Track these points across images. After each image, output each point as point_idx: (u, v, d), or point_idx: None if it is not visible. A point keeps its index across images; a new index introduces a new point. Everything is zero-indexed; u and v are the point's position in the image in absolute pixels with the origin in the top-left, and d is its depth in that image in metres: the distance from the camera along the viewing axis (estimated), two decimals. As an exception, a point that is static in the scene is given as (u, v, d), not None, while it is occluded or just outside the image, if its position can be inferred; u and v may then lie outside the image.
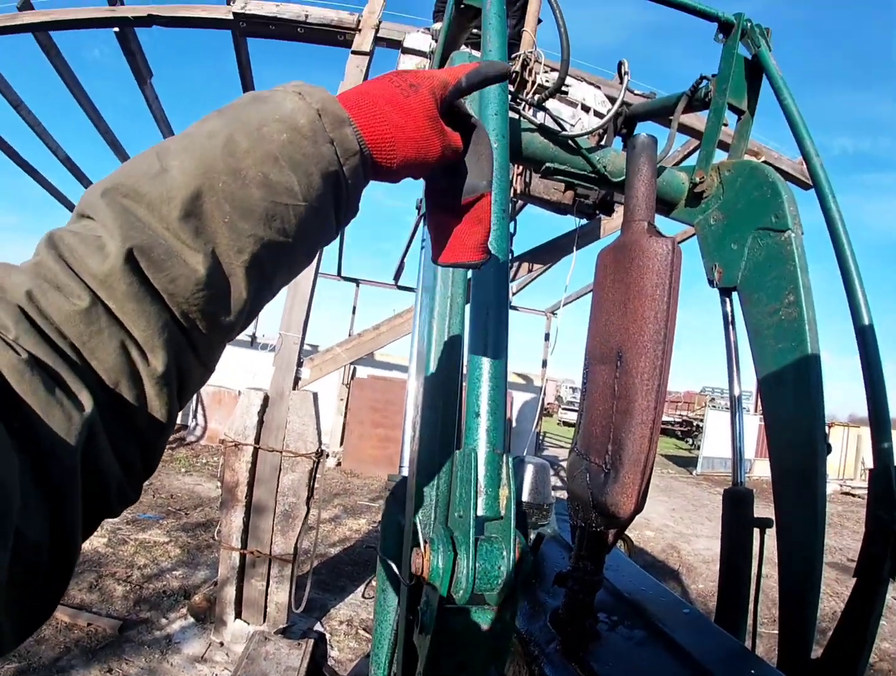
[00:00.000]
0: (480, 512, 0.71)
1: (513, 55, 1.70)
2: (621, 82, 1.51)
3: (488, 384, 0.73)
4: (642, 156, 1.11)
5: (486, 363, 0.74)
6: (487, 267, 0.77)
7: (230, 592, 4.10)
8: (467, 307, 0.89)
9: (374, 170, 0.56)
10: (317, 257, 4.08)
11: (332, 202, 0.53)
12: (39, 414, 0.37)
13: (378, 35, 4.28)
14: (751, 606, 1.54)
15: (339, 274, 12.74)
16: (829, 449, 1.34)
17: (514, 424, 12.90)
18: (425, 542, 0.70)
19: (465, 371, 0.85)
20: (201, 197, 0.45)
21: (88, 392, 0.40)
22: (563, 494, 1.58)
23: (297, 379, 4.12)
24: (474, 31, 1.41)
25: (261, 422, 4.03)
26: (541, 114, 1.50)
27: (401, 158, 0.56)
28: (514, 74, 1.89)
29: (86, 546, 5.13)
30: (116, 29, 4.74)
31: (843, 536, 9.46)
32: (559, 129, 1.44)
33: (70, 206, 9.26)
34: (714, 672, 1.08)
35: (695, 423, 27.91)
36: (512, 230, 2.37)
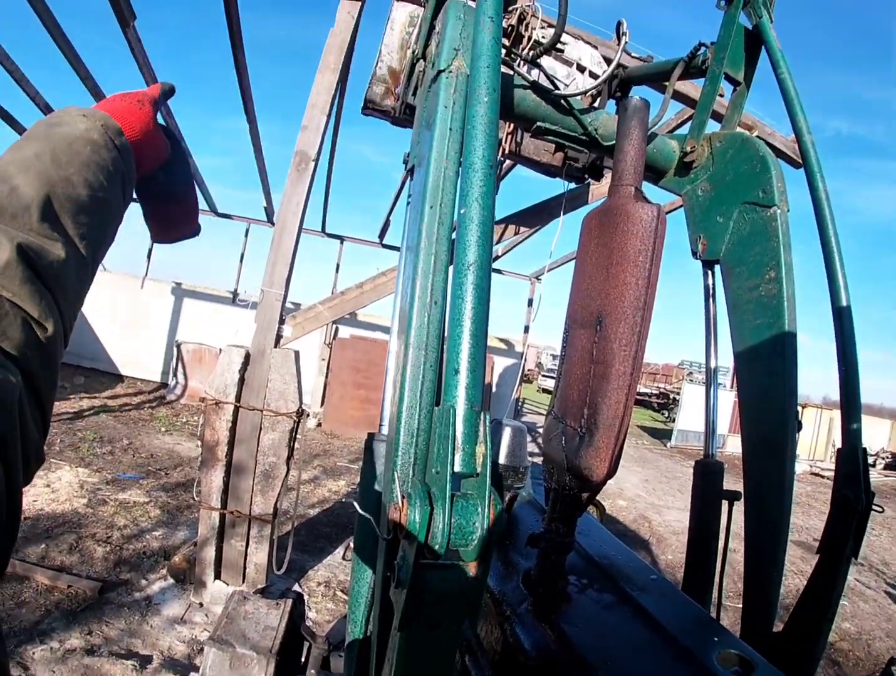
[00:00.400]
0: (457, 469, 0.71)
1: (509, 8, 1.65)
2: (619, 44, 1.47)
3: (468, 342, 0.73)
4: (634, 119, 1.09)
5: (466, 321, 0.74)
6: (472, 224, 0.76)
7: (210, 553, 4.13)
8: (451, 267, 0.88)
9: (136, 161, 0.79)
10: (301, 211, 4.00)
11: (120, 189, 0.74)
12: None
13: (370, -19, 4.12)
14: (716, 577, 1.59)
15: (322, 230, 12.56)
16: (799, 426, 1.37)
17: (493, 389, 13.00)
18: (403, 497, 0.70)
19: (446, 329, 0.84)
20: (50, 201, 0.60)
21: (11, 362, 0.51)
22: (540, 459, 1.60)
23: (278, 337, 4.07)
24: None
25: (242, 380, 4.00)
26: (535, 72, 1.47)
27: (147, 154, 0.82)
28: (509, 28, 1.84)
29: (66, 506, 5.17)
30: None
31: (811, 516, 9.76)
32: (552, 88, 1.41)
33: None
34: (679, 638, 1.11)
35: (671, 396, 28.42)
36: (496, 191, 2.34)
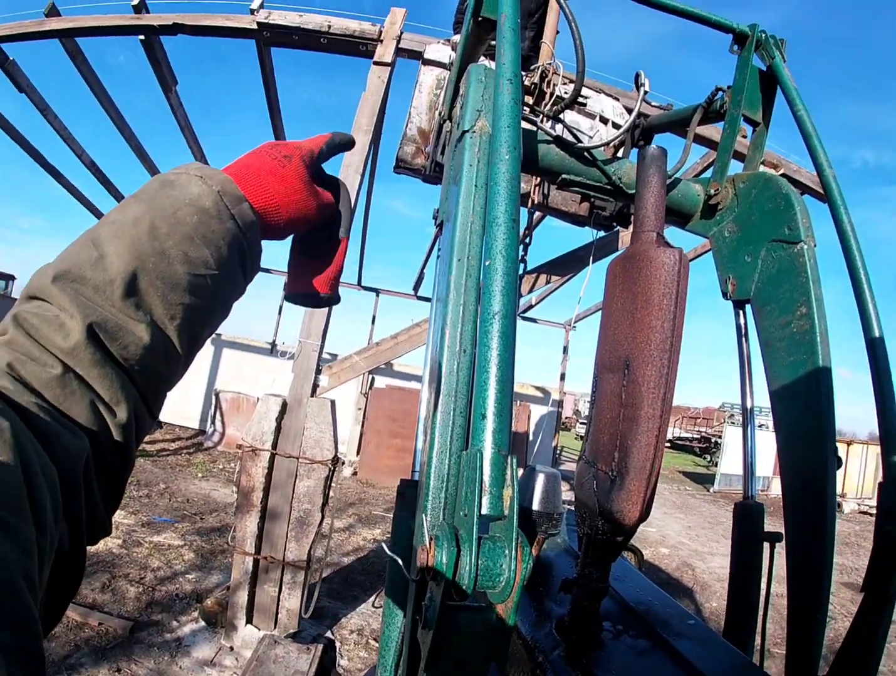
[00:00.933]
0: (485, 511, 0.73)
1: (531, 67, 1.72)
2: (638, 94, 1.52)
3: (495, 388, 0.75)
4: (652, 167, 1.12)
5: (493, 368, 0.76)
6: (497, 275, 0.79)
7: (242, 597, 4.13)
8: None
9: (266, 231, 0.70)
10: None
11: (239, 266, 0.66)
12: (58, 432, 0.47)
13: (399, 46, 4.35)
14: (759, 622, 1.53)
15: (359, 283, 12.86)
16: (839, 462, 1.33)
17: (530, 437, 12.82)
18: (430, 539, 0.72)
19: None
20: (137, 277, 0.54)
21: (82, 431, 0.50)
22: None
23: (315, 387, 4.16)
24: (492, 43, 1.44)
25: (278, 428, 4.08)
26: (560, 126, 1.53)
27: (285, 219, 0.70)
28: (532, 86, 1.92)
29: (100, 546, 5.24)
30: (142, 37, 4.85)
31: (860, 556, 9.25)
32: (575, 141, 1.46)
33: (93, 210, 9.53)
34: (719, 685, 1.08)
35: (713, 440, 27.56)
36: (528, 240, 2.39)
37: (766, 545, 1.57)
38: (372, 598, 5.25)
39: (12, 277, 18.93)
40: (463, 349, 0.94)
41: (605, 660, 1.18)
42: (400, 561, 0.86)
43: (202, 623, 4.32)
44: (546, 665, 1.19)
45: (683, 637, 1.26)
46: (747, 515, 1.62)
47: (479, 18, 1.38)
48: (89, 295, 0.51)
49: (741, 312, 1.69)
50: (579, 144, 1.46)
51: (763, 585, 1.55)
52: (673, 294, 0.98)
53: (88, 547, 0.51)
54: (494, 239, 0.79)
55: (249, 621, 4.18)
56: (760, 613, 1.54)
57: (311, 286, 0.81)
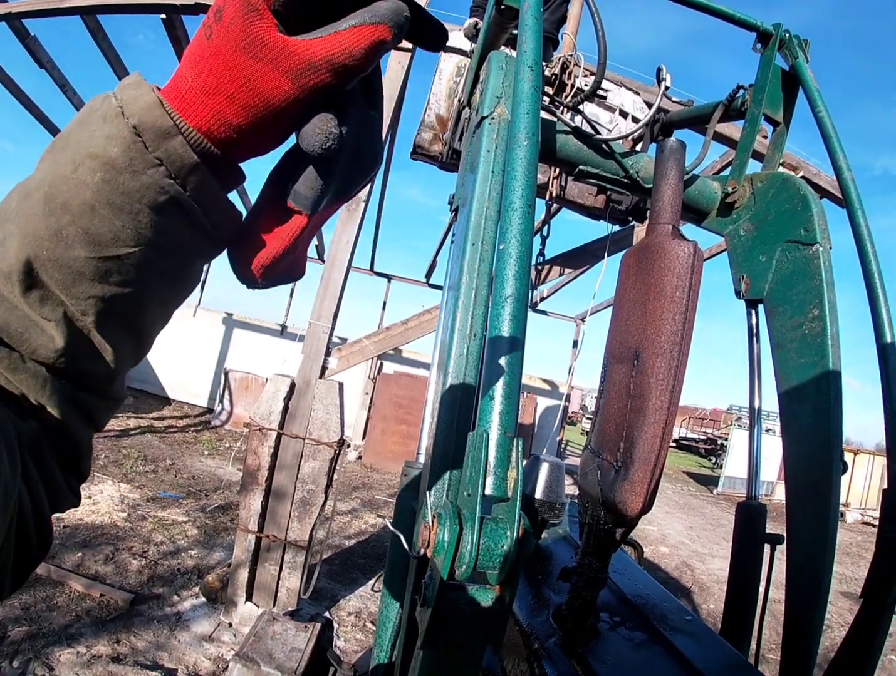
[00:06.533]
0: (488, 492, 0.73)
1: (551, 57, 1.72)
2: (660, 88, 1.51)
3: (504, 370, 0.76)
4: (670, 159, 1.12)
5: (503, 351, 0.77)
6: (510, 259, 0.80)
7: (243, 574, 4.18)
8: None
9: (230, 153, 0.47)
10: (351, 248, 4.14)
11: (185, 226, 0.47)
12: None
13: (420, 33, 4.33)
14: (756, 624, 1.53)
15: (371, 269, 12.88)
16: (844, 467, 1.33)
17: (535, 429, 12.84)
18: (433, 516, 0.73)
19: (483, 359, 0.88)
20: (32, 267, 0.42)
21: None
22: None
23: (324, 369, 4.18)
24: (514, 32, 1.43)
25: (286, 409, 4.11)
26: (579, 118, 1.52)
27: (237, 125, 0.45)
28: (553, 77, 1.91)
29: (105, 519, 5.31)
30: (163, 16, 4.85)
31: (860, 567, 9.20)
32: (594, 133, 1.46)
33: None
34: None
35: (719, 442, 27.44)
36: (546, 232, 2.39)
37: (766, 547, 1.57)
38: (371, 581, 5.30)
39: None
40: (473, 332, 0.95)
41: (600, 650, 1.19)
42: (402, 537, 0.87)
43: (202, 599, 4.38)
44: (542, 652, 1.20)
45: (680, 633, 1.27)
46: (749, 516, 1.62)
47: (502, 6, 1.38)
48: None
49: (753, 312, 1.69)
50: (598, 136, 1.46)
51: (762, 587, 1.55)
52: (686, 286, 0.98)
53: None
54: (509, 223, 0.79)
55: (249, 598, 4.24)
56: (757, 616, 1.55)
57: (243, 253, 0.52)
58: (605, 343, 1.27)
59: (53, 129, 7.33)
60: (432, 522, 0.71)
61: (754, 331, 1.70)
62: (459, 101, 1.49)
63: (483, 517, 0.70)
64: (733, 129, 4.38)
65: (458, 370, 0.95)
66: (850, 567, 9.02)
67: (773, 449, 11.98)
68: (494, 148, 1.07)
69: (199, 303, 13.34)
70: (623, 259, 1.22)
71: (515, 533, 0.70)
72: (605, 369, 1.24)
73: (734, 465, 16.66)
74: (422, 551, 0.75)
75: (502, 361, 0.75)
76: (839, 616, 6.85)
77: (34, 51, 5.68)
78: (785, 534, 1.46)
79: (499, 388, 0.74)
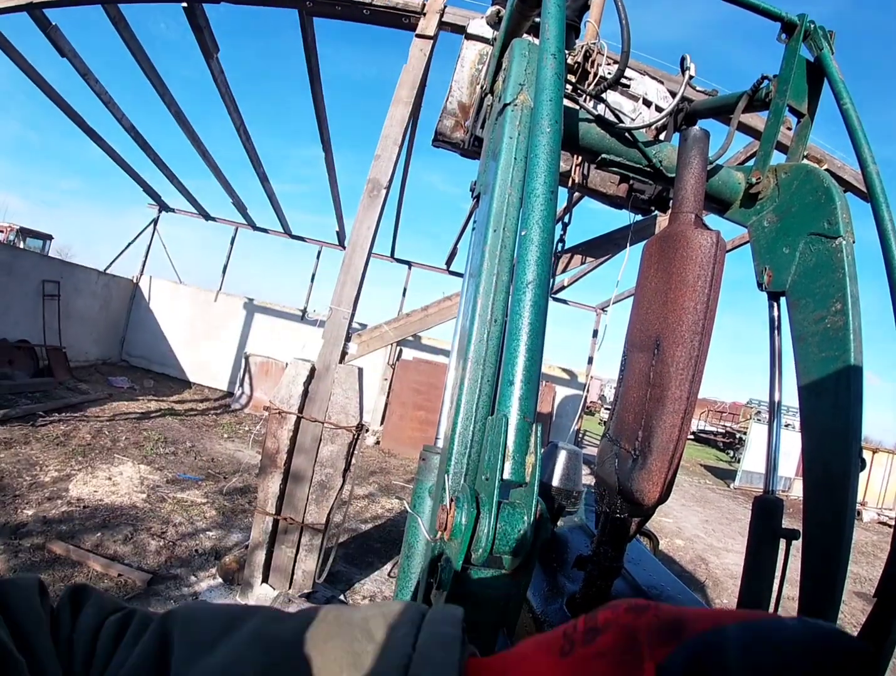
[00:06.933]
0: (507, 477, 0.74)
1: (574, 45, 1.70)
2: (683, 78, 1.49)
3: (524, 355, 0.76)
4: (694, 148, 1.11)
5: (523, 336, 0.77)
6: (532, 245, 0.80)
7: (260, 556, 4.25)
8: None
9: None
10: (372, 235, 4.16)
11: None
12: None
13: (442, 20, 4.30)
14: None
15: (392, 255, 12.92)
16: (862, 463, 1.32)
17: (553, 418, 12.83)
18: (451, 500, 0.73)
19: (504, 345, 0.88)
20: None
21: None
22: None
23: (344, 353, 4.21)
24: (536, 19, 1.42)
25: (306, 393, 4.14)
26: (602, 106, 1.51)
27: None
28: (576, 65, 1.89)
29: (125, 500, 5.40)
30: (185, 4, 4.88)
31: (875, 567, 9.07)
32: (617, 121, 1.45)
33: (131, 173, 9.72)
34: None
35: (737, 436, 27.20)
36: (567, 220, 2.38)
37: (782, 543, 1.56)
38: (387, 566, 5.36)
39: (50, 237, 19.40)
40: (494, 318, 0.96)
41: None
42: (419, 519, 0.88)
43: (219, 580, 4.45)
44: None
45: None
46: (766, 510, 1.61)
47: (526, -8, 1.37)
48: None
49: (775, 304, 1.67)
50: (621, 125, 1.45)
51: (776, 584, 1.55)
52: (708, 276, 0.98)
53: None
54: (532, 210, 0.79)
55: (265, 580, 4.30)
56: (772, 610, 1.54)
57: None
58: (625, 332, 1.28)
59: (74, 115, 7.45)
60: (450, 505, 0.72)
61: (776, 323, 1.68)
62: (482, 88, 1.48)
63: (501, 501, 0.71)
64: (758, 120, 4.30)
65: (479, 355, 0.96)
66: (865, 567, 8.91)
67: (792, 445, 11.83)
68: (517, 135, 1.07)
69: (220, 288, 13.50)
70: (645, 247, 1.21)
71: (532, 518, 0.71)
72: (625, 357, 1.24)
73: (752, 460, 16.48)
74: (439, 534, 0.77)
75: (522, 346, 0.76)
76: (851, 616, 6.77)
77: (55, 40, 5.75)
78: (801, 529, 1.45)
79: (518, 373, 0.75)
